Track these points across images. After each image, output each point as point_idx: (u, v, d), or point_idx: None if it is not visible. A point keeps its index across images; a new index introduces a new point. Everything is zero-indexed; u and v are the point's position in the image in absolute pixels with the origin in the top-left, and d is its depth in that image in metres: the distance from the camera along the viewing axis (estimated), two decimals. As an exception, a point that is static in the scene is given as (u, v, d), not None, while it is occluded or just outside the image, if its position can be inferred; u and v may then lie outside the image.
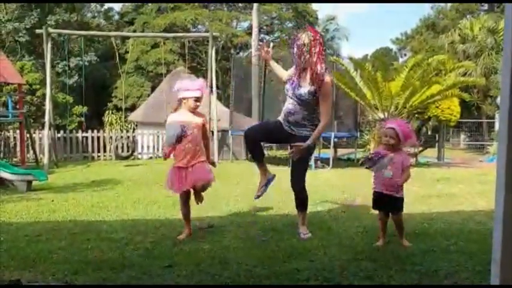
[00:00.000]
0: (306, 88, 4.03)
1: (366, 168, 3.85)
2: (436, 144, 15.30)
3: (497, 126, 18.28)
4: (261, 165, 4.34)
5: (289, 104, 4.13)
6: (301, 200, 4.23)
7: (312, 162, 11.36)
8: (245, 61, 16.62)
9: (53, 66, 15.93)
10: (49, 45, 12.21)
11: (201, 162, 4.05)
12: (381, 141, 4.00)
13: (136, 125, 17.23)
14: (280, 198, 6.06)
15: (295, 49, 4.02)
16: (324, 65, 4.04)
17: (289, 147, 4.34)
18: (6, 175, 7.65)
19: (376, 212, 3.98)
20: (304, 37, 3.97)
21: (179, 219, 4.19)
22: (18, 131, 12.65)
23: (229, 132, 13.50)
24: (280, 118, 4.22)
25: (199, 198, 4.22)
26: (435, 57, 12.84)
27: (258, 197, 4.41)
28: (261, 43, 4.37)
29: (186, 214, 4.09)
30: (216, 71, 14.20)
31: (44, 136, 12.47)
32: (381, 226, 3.82)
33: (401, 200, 3.77)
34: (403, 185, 3.76)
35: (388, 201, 3.74)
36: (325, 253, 3.49)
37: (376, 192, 3.81)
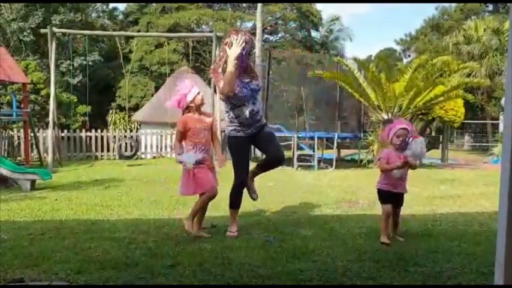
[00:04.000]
0: (255, 83, 4.10)
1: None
2: (440, 146, 15.26)
3: (501, 127, 18.21)
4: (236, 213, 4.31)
5: (249, 106, 4.03)
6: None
7: (315, 163, 11.36)
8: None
9: (57, 66, 15.96)
10: (53, 44, 12.25)
11: (213, 169, 4.15)
12: (384, 143, 4.04)
13: (139, 125, 17.27)
14: (282, 199, 6.07)
15: (245, 49, 3.96)
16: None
17: (255, 145, 4.37)
18: (5, 172, 7.67)
19: (379, 212, 4.02)
20: (246, 37, 4.01)
21: (182, 218, 4.19)
22: (22, 130, 12.69)
23: (233, 132, 13.50)
24: (241, 128, 4.08)
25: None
26: (439, 58, 12.80)
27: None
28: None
29: (201, 215, 4.14)
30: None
31: (48, 135, 12.51)
32: (385, 221, 3.87)
33: (403, 195, 4.01)
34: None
35: (396, 198, 3.93)
36: (328, 253, 3.48)
37: (384, 190, 3.93)
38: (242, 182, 4.23)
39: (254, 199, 4.44)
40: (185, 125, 4.01)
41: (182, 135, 4.05)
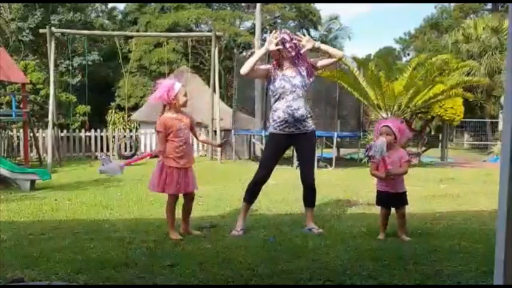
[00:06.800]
0: (301, 78, 4.14)
1: (368, 157, 3.93)
2: (440, 144, 15.26)
3: (500, 126, 18.20)
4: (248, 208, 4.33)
5: (289, 102, 4.08)
6: (315, 194, 4.30)
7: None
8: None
9: (56, 66, 15.96)
10: (52, 44, 12.25)
11: (191, 168, 4.11)
12: None
13: (139, 124, 17.26)
14: (282, 198, 6.07)
15: (288, 44, 4.10)
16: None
17: (295, 149, 4.36)
18: (5, 172, 7.66)
19: (379, 211, 4.04)
20: (288, 34, 4.16)
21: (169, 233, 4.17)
22: (21, 130, 12.69)
23: (232, 132, 13.50)
24: (278, 124, 4.12)
25: (189, 205, 4.20)
26: (438, 57, 12.80)
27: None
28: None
29: (174, 219, 4.06)
30: (219, 71, 14.18)
31: (47, 135, 12.51)
32: (382, 221, 3.97)
33: (404, 194, 3.95)
34: (403, 180, 3.94)
35: (392, 199, 3.91)
36: (328, 252, 3.48)
37: (380, 191, 3.97)
38: (260, 179, 4.21)
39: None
40: (165, 126, 3.94)
41: (164, 136, 3.96)
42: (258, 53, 4.20)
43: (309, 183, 4.26)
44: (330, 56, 4.24)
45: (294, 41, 4.12)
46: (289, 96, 4.09)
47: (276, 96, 4.16)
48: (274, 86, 4.14)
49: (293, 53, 4.12)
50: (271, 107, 4.29)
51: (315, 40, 4.26)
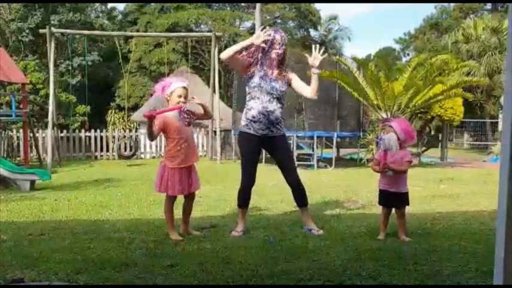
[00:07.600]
0: (279, 83, 4.09)
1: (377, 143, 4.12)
2: (439, 144, 15.27)
3: (500, 126, 18.20)
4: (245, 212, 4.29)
5: (264, 103, 4.03)
6: (304, 192, 4.26)
7: (314, 162, 11.36)
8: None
9: (56, 66, 15.96)
10: (52, 44, 12.25)
11: (193, 166, 4.08)
12: None
13: (139, 125, 17.26)
14: (281, 198, 6.07)
15: (277, 46, 4.03)
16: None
17: (269, 153, 4.32)
18: (5, 172, 7.66)
19: (379, 211, 4.05)
20: (281, 36, 4.07)
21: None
22: (21, 131, 12.69)
23: (232, 132, 13.50)
24: (252, 125, 4.05)
25: (189, 205, 4.18)
26: (438, 57, 12.83)
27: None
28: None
29: (173, 219, 4.05)
30: (219, 71, 14.18)
31: (47, 135, 12.51)
32: (383, 220, 3.99)
33: (406, 194, 3.96)
34: (406, 180, 3.96)
35: (393, 198, 3.94)
36: (328, 253, 3.48)
37: (382, 190, 3.99)
38: (248, 184, 4.17)
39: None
40: (163, 122, 3.89)
41: (157, 130, 3.92)
42: (243, 42, 4.06)
43: (294, 183, 4.23)
44: (311, 86, 4.15)
45: (283, 47, 4.04)
46: (265, 98, 4.04)
47: (252, 94, 4.09)
48: (253, 83, 4.06)
49: (278, 57, 4.06)
50: (246, 104, 4.16)
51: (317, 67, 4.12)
